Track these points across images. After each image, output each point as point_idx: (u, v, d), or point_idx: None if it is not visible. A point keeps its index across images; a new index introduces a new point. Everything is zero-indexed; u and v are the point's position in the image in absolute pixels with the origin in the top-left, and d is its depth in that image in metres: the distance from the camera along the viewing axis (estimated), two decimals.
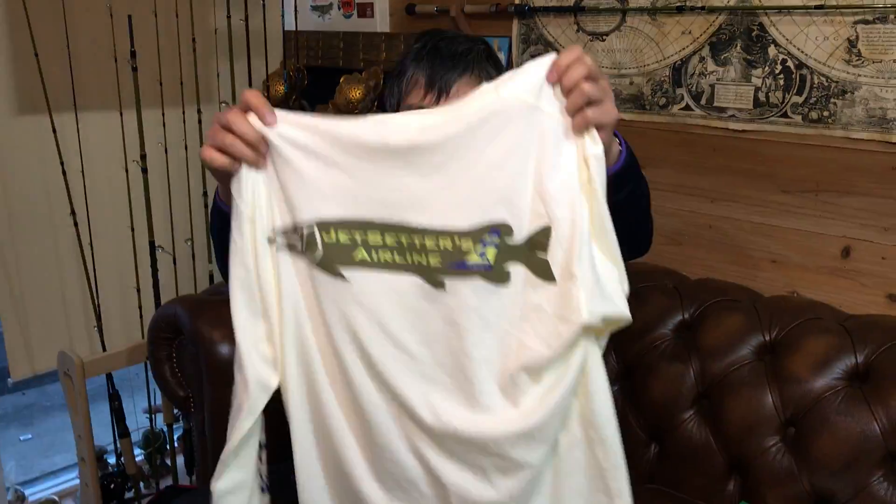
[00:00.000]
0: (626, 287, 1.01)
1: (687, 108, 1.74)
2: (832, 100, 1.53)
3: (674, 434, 1.51)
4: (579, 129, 0.97)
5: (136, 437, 2.32)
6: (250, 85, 2.28)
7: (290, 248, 1.03)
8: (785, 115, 1.60)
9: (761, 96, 1.62)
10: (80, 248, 2.09)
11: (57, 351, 2.06)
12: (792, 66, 1.57)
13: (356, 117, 1.01)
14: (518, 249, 0.99)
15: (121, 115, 2.09)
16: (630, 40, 1.80)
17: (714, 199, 1.73)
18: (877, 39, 1.46)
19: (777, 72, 1.59)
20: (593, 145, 0.97)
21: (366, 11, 2.36)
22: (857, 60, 1.49)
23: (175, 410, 2.32)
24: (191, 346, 1.71)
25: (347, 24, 2.43)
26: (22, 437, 3.26)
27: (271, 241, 1.02)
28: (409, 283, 1.01)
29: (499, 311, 1.00)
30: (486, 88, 0.98)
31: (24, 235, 2.15)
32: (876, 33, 1.46)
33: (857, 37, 1.48)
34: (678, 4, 1.70)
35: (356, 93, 2.25)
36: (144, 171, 2.10)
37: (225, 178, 1.06)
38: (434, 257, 1.00)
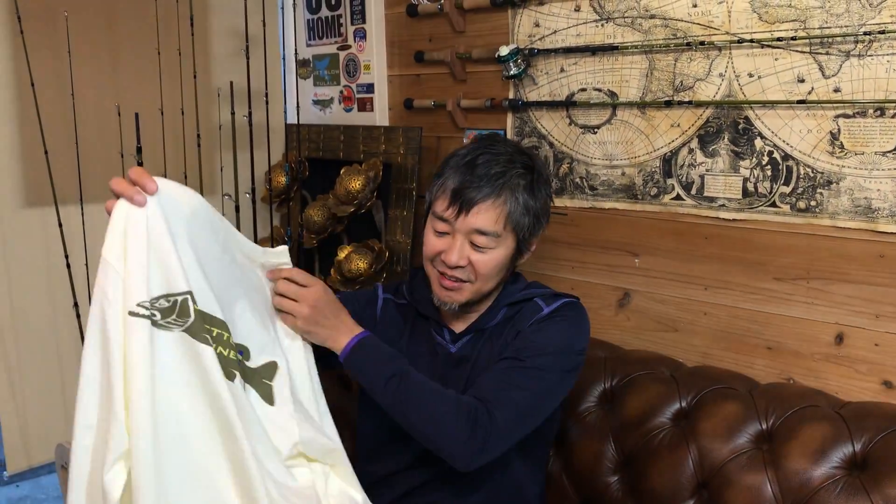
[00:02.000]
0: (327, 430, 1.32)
1: (678, 197, 1.78)
2: (818, 190, 1.57)
3: None
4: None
5: None
6: (253, 177, 2.34)
7: (151, 318, 1.08)
8: (773, 205, 1.64)
9: (750, 186, 1.67)
10: (82, 339, 2.10)
11: (54, 443, 2.05)
12: (778, 158, 1.62)
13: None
14: (250, 372, 1.22)
15: None
16: (621, 133, 1.86)
17: (708, 287, 1.76)
18: (858, 133, 1.51)
19: (764, 163, 1.64)
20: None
21: (365, 105, 2.44)
22: (841, 152, 1.54)
23: None
24: None
25: (348, 117, 2.51)
26: None
27: (133, 314, 1.06)
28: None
29: (242, 411, 1.13)
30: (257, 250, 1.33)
31: (25, 327, 2.17)
32: (857, 127, 1.51)
33: (839, 130, 1.53)
34: (666, 99, 1.76)
35: (356, 183, 2.31)
36: None
37: None
38: (232, 352, 1.17)
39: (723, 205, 1.71)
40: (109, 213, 1.12)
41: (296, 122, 2.54)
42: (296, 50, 2.59)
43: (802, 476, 1.37)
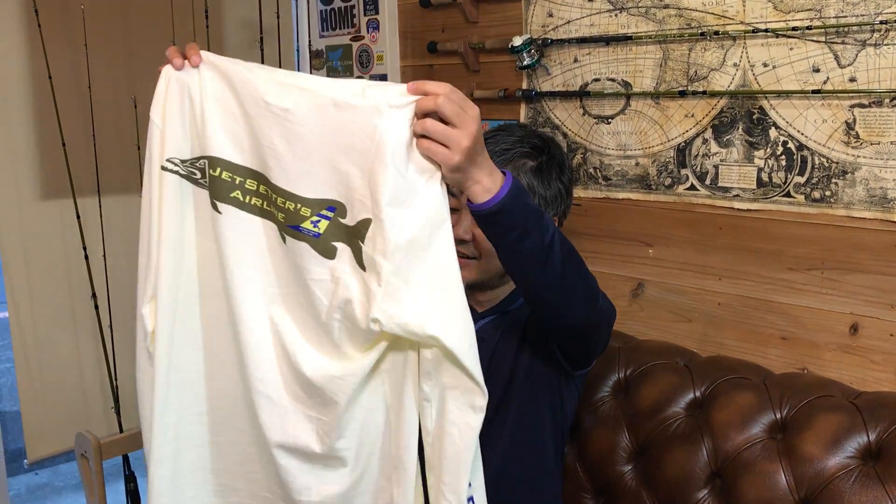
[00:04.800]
0: (458, 321, 1.07)
1: (692, 188, 1.78)
2: (833, 180, 1.57)
3: None
4: (419, 151, 1.04)
5: None
6: None
7: (190, 177, 1.16)
8: (788, 195, 1.64)
9: (764, 176, 1.67)
10: (100, 329, 2.13)
11: (74, 432, 2.08)
12: (793, 148, 1.62)
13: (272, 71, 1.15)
14: (346, 230, 1.09)
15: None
16: (635, 123, 1.86)
17: (722, 277, 1.76)
18: (873, 122, 1.50)
19: (779, 153, 1.64)
20: (434, 171, 1.05)
21: None
22: (856, 142, 1.53)
23: None
24: None
25: None
26: None
27: (165, 168, 1.15)
28: (269, 228, 1.16)
29: (318, 277, 1.12)
30: (358, 84, 1.07)
31: (44, 318, 2.19)
32: (872, 116, 1.50)
33: (855, 120, 1.53)
34: (680, 89, 1.76)
35: None
36: None
37: None
38: (280, 214, 1.13)
39: (737, 195, 1.71)
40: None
41: None
42: (309, 41, 2.60)
43: (817, 466, 1.37)
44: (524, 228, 1.14)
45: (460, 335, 1.06)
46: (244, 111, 1.12)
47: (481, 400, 1.08)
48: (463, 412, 1.09)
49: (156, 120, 1.15)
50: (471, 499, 1.11)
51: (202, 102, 1.13)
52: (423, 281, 1.05)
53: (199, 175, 1.16)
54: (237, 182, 1.15)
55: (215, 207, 1.16)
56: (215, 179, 1.15)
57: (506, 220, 1.12)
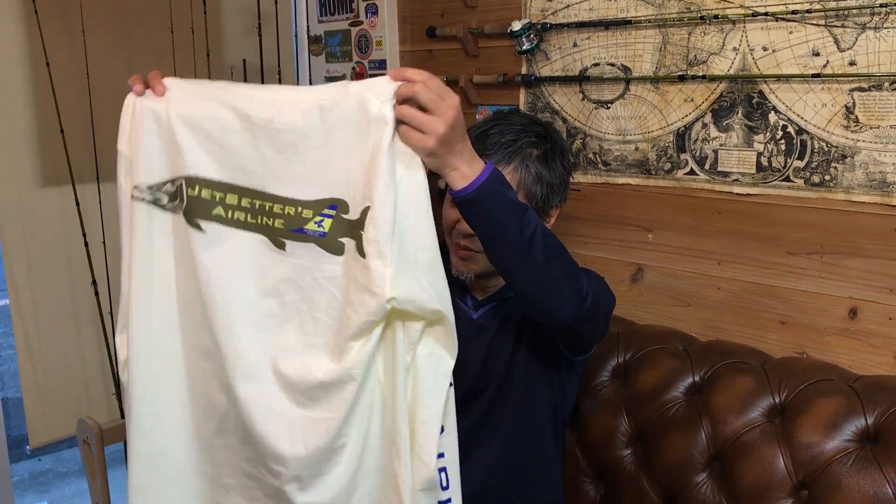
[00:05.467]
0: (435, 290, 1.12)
1: (691, 172, 1.78)
2: (833, 164, 1.57)
3: (688, 498, 1.51)
4: (401, 136, 1.08)
5: None
6: None
7: (157, 203, 1.17)
8: (787, 179, 1.64)
9: (763, 161, 1.66)
10: (101, 316, 2.13)
11: (76, 418, 2.09)
12: (792, 132, 1.61)
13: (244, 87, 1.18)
14: (350, 225, 1.12)
15: None
16: (634, 108, 1.86)
17: (721, 262, 1.76)
18: (873, 106, 1.50)
19: (778, 137, 1.64)
20: (413, 155, 1.10)
21: None
22: (856, 126, 1.53)
23: None
24: None
25: None
26: None
27: (134, 197, 1.16)
28: (256, 241, 1.16)
29: (329, 275, 1.14)
30: (338, 83, 1.11)
31: (45, 304, 2.20)
32: (872, 100, 1.50)
33: (854, 104, 1.52)
34: (680, 73, 1.75)
35: None
36: None
37: None
38: (279, 221, 1.15)
39: (736, 179, 1.71)
40: None
41: None
42: (308, 26, 2.59)
43: (815, 449, 1.38)
44: (502, 218, 1.16)
45: (449, 307, 1.14)
46: (222, 126, 1.13)
47: (448, 365, 1.15)
48: (435, 377, 1.14)
49: (122, 150, 1.15)
50: (443, 469, 1.16)
51: (170, 123, 1.13)
52: (420, 259, 1.11)
53: (165, 200, 1.16)
54: (217, 199, 1.15)
55: (198, 226, 1.16)
56: (195, 199, 1.15)
57: (482, 209, 1.15)
